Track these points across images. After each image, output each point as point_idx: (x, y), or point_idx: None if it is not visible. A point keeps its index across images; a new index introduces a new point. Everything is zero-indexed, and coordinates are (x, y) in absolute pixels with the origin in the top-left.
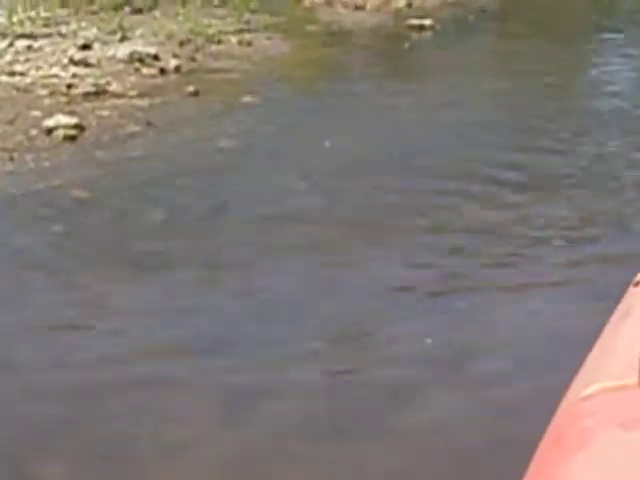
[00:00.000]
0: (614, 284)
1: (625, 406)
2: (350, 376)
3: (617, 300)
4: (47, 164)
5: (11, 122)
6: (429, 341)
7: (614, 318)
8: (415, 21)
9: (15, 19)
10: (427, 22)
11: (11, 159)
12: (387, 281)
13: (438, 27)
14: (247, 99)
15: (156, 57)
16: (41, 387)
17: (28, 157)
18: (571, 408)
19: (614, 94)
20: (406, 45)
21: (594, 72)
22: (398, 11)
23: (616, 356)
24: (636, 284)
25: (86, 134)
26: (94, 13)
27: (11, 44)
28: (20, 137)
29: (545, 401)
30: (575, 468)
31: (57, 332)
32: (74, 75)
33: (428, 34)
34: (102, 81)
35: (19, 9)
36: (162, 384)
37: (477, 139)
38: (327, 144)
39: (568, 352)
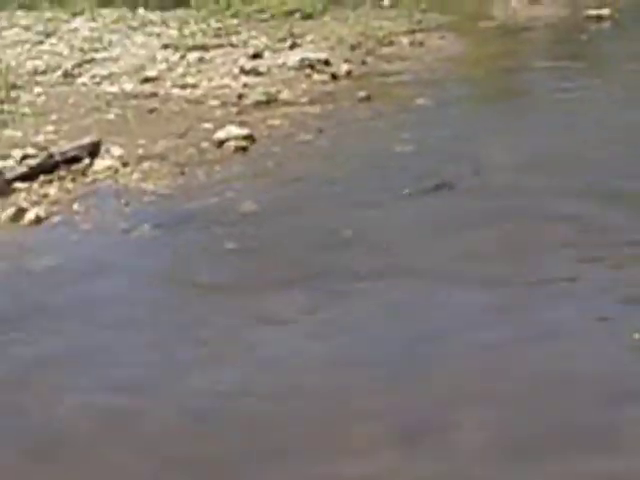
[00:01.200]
0: None
1: None
2: None
3: None
4: (218, 177)
5: (183, 135)
6: None
7: None
8: (593, 11)
9: (187, 31)
10: (605, 12)
11: (182, 173)
12: None
13: (617, 16)
14: (420, 102)
15: (327, 62)
16: None
17: (199, 171)
18: None
19: None
20: (583, 37)
21: None
22: (575, 2)
23: None
24: None
25: (257, 145)
26: (264, 21)
27: (183, 56)
28: (191, 150)
29: None
30: None
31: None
32: (245, 85)
33: (607, 24)
34: (273, 90)
35: (191, 21)
36: None
37: None
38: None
39: None
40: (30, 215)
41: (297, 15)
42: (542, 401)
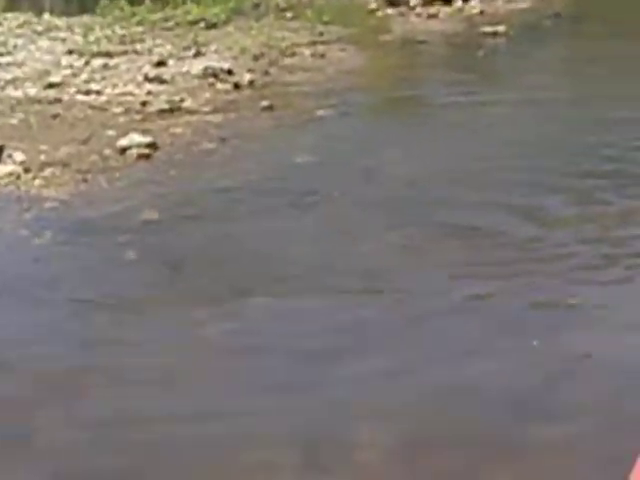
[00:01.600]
0: None
1: None
2: None
3: None
4: (120, 185)
5: (86, 142)
6: None
7: None
8: (488, 28)
9: (92, 38)
10: (500, 28)
11: (84, 180)
12: None
13: (512, 33)
14: (321, 112)
15: (230, 72)
16: None
17: (101, 178)
18: None
19: None
20: (480, 52)
21: None
22: (471, 18)
23: None
24: None
25: (160, 153)
26: (169, 29)
27: (87, 62)
28: (94, 157)
29: None
30: None
31: None
32: (149, 92)
33: (502, 40)
34: (176, 98)
35: (96, 27)
36: None
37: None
38: None
39: None
40: None
41: (201, 24)
42: None
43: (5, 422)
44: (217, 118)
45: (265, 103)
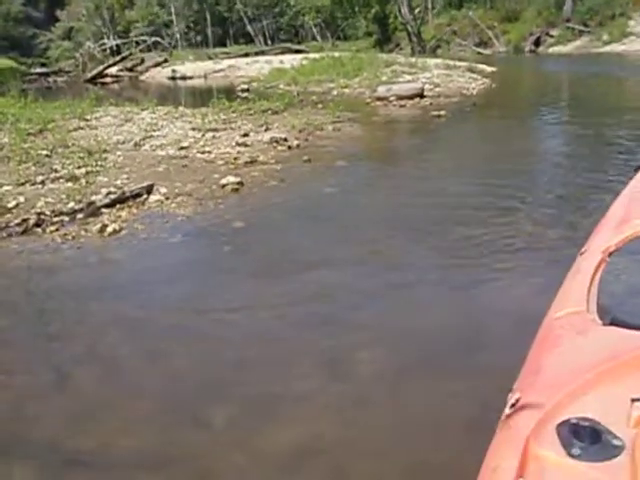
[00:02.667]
0: None
1: (579, 322)
2: None
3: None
4: (221, 207)
5: (201, 181)
6: None
7: (570, 273)
8: (435, 112)
9: (206, 120)
10: (442, 112)
11: (200, 204)
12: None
13: (449, 115)
14: (339, 163)
15: (285, 139)
16: None
17: (210, 203)
18: (549, 324)
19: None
20: (431, 126)
21: (540, 137)
22: (425, 107)
23: (574, 292)
24: (581, 253)
25: (244, 187)
26: (250, 115)
27: (204, 135)
28: (206, 190)
29: None
30: (553, 357)
31: None
32: (238, 152)
33: (443, 119)
34: (254, 155)
35: (209, 114)
36: None
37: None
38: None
39: None
40: (109, 229)
41: (269, 112)
42: None
43: None
44: (278, 167)
45: (305, 157)
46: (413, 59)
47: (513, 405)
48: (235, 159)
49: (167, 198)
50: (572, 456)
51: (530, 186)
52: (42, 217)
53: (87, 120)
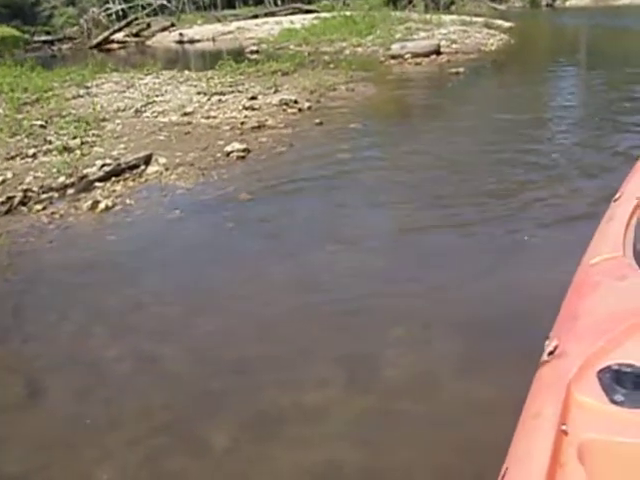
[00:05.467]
0: None
1: (616, 267)
2: None
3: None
4: (225, 177)
5: (204, 149)
6: None
7: (603, 220)
8: (453, 69)
9: (212, 84)
10: (460, 69)
11: (203, 175)
12: None
13: (467, 72)
14: (352, 125)
15: (296, 101)
16: None
17: (213, 173)
18: (584, 270)
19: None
20: (449, 84)
21: (563, 93)
22: (442, 64)
23: (609, 239)
24: (615, 200)
25: (251, 154)
26: (259, 77)
27: (209, 99)
28: (209, 159)
29: None
30: (591, 303)
31: None
32: (245, 116)
33: (461, 77)
34: (262, 119)
35: (215, 78)
36: None
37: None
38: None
39: None
40: (102, 205)
41: (279, 73)
42: None
43: None
44: (288, 131)
45: (317, 120)
46: (427, 16)
47: (551, 352)
48: (242, 124)
49: (167, 169)
50: (615, 402)
51: (557, 141)
52: (29, 194)
53: (88, 88)
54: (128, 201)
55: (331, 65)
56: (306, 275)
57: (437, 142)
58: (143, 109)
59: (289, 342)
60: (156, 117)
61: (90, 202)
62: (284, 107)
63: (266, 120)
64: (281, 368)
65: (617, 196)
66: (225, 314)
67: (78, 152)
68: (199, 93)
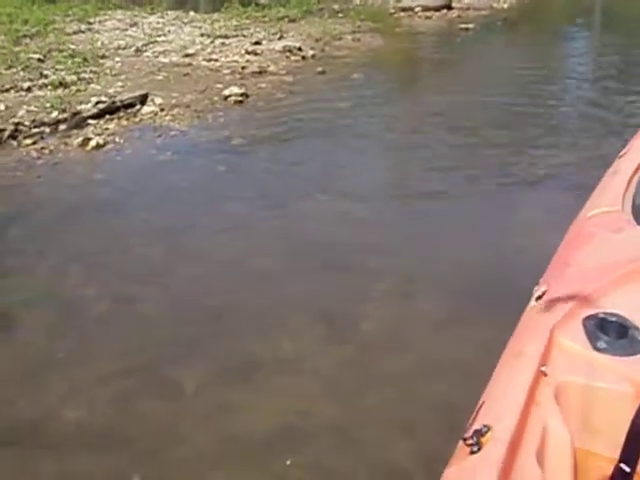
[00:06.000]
0: None
1: (612, 221)
2: None
3: None
4: (221, 120)
5: (202, 92)
6: None
7: (606, 175)
8: (463, 25)
9: (217, 26)
10: (470, 26)
11: (198, 117)
12: None
13: (477, 28)
14: (355, 75)
15: (300, 49)
16: None
17: (210, 116)
18: (582, 222)
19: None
20: (458, 40)
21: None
22: (452, 20)
23: (609, 193)
24: (620, 156)
25: (250, 99)
26: (265, 22)
27: (212, 42)
28: (206, 102)
29: None
30: (583, 253)
31: None
32: (247, 60)
33: (471, 33)
34: (264, 64)
35: (221, 20)
36: None
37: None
38: None
39: None
40: (92, 143)
41: (286, 19)
42: None
43: None
44: (289, 78)
45: (320, 69)
46: None
47: (539, 297)
48: (243, 68)
49: (162, 109)
50: (597, 349)
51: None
52: (20, 128)
53: (90, 23)
54: (120, 140)
55: (340, 14)
56: (292, 224)
57: (437, 95)
58: (144, 48)
59: (270, 290)
60: (157, 57)
61: (81, 139)
62: (287, 54)
63: (268, 66)
64: (259, 316)
65: (623, 152)
66: (207, 260)
67: (74, 88)
68: (202, 35)
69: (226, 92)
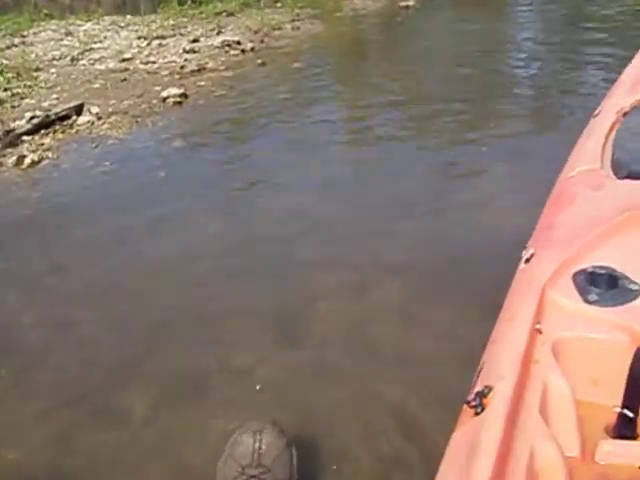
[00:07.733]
0: None
1: (593, 178)
2: None
3: None
4: (160, 124)
5: (140, 96)
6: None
7: (583, 135)
8: (403, 3)
9: (153, 27)
10: (411, 3)
11: (137, 122)
12: None
13: (418, 6)
14: (296, 65)
15: (239, 42)
16: None
17: (148, 120)
18: (563, 182)
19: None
20: (398, 19)
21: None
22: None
23: (587, 152)
24: (594, 115)
25: (189, 100)
26: (203, 19)
27: (149, 44)
28: (144, 106)
29: None
30: (568, 213)
31: None
32: (185, 60)
33: (412, 11)
34: (203, 62)
35: (158, 20)
36: None
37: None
38: None
39: None
40: (27, 160)
41: (224, 14)
42: None
43: None
44: (228, 73)
45: (260, 61)
46: None
47: (528, 260)
48: (181, 68)
49: (99, 118)
50: (588, 302)
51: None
52: None
53: (24, 36)
54: (55, 155)
55: (278, 4)
56: (235, 223)
57: (380, 80)
58: (80, 57)
59: (214, 297)
60: (93, 65)
61: (15, 157)
62: (226, 49)
63: (206, 63)
64: (205, 326)
65: (596, 112)
66: (148, 272)
67: (7, 105)
68: (139, 38)
69: (164, 94)
